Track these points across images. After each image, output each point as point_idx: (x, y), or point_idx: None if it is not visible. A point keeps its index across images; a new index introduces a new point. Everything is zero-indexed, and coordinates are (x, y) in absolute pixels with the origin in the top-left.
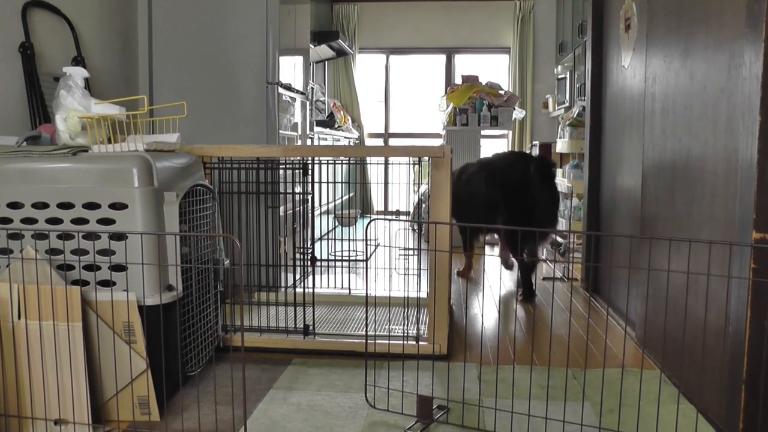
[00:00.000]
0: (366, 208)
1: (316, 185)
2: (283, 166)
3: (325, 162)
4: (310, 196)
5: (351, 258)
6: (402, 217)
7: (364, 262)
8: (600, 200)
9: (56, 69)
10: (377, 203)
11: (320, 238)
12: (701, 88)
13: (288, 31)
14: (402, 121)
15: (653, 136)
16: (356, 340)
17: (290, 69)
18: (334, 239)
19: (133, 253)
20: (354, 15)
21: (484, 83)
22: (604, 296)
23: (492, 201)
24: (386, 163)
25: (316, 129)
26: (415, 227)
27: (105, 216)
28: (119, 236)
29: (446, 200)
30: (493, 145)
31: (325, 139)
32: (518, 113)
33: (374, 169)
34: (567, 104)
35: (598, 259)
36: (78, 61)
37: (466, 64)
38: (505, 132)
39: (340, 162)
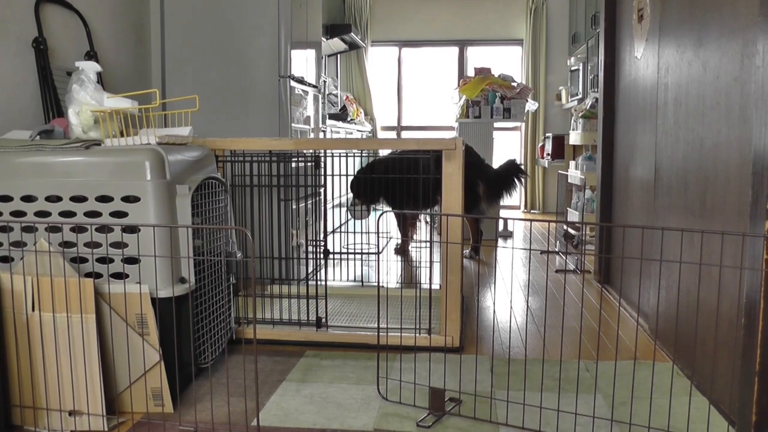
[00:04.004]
0: None
1: (329, 178)
2: (296, 159)
3: (338, 155)
4: (322, 189)
5: (363, 251)
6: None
7: (377, 255)
8: (613, 191)
9: (69, 63)
10: None
11: (333, 231)
12: (714, 77)
13: (300, 25)
14: (414, 113)
15: (666, 126)
16: (369, 333)
17: (302, 62)
18: (347, 232)
19: (146, 246)
20: (366, 8)
21: (496, 75)
22: (616, 288)
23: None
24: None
25: (329, 122)
26: (428, 219)
27: (118, 209)
28: (132, 229)
29: (458, 192)
30: (505, 137)
31: (338, 132)
32: (531, 105)
33: None
34: (580, 96)
35: (610, 251)
36: (91, 55)
37: (478, 57)
38: (517, 124)
39: (352, 155)
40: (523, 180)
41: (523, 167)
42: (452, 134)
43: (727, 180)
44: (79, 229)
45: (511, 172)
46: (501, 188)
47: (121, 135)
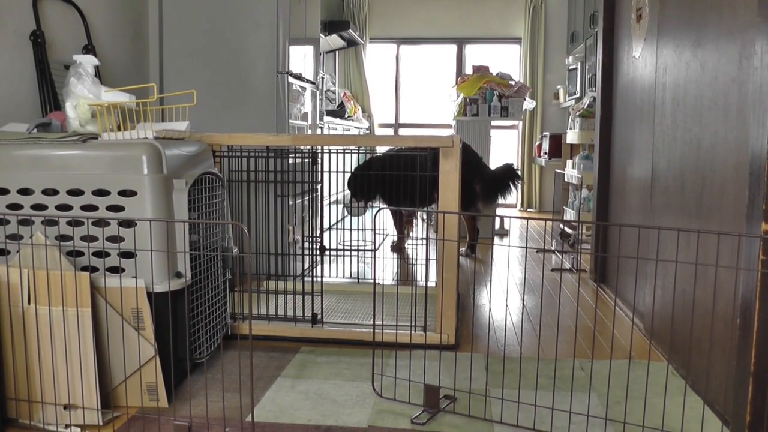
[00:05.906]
0: None
1: (326, 174)
2: (293, 156)
3: (335, 151)
4: (319, 186)
5: (360, 248)
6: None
7: (373, 252)
8: (610, 191)
9: (67, 57)
10: None
11: (329, 228)
12: (712, 78)
13: (298, 21)
14: (412, 111)
15: (663, 126)
16: (364, 330)
17: (300, 58)
18: (344, 228)
19: (142, 240)
20: (365, 5)
21: (494, 73)
22: (612, 287)
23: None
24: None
25: (327, 119)
26: (424, 217)
27: (114, 203)
28: (128, 223)
29: (455, 190)
30: (503, 135)
31: (335, 129)
32: (529, 104)
33: None
34: (578, 95)
35: (606, 250)
36: (88, 49)
37: (476, 55)
38: (515, 123)
39: (349, 151)
40: (518, 185)
41: (519, 172)
42: (450, 132)
43: (724, 180)
44: (75, 222)
45: (507, 175)
46: (497, 190)
47: (119, 129)
